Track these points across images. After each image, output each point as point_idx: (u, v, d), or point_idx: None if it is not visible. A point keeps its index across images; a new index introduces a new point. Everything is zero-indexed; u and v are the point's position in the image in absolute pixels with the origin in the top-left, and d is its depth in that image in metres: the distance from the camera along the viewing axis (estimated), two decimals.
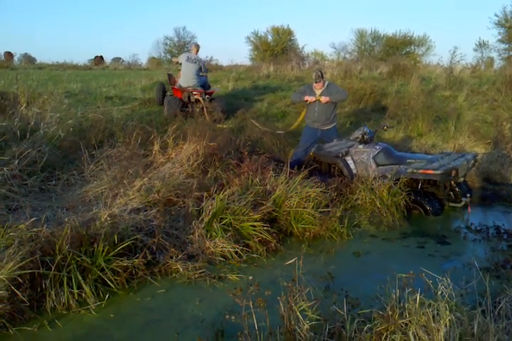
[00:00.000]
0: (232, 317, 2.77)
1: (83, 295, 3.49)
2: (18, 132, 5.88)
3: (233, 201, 4.78)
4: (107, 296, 3.55)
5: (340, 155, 6.30)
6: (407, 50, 27.66)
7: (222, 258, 4.29)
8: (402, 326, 2.59)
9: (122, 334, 3.15)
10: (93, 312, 3.38)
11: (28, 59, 24.77)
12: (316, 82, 6.84)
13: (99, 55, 23.21)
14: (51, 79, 11.69)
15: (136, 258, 3.89)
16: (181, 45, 29.94)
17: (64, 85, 10.53)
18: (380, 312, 2.71)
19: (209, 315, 3.35)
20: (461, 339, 2.45)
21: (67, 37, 58.75)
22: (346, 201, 5.68)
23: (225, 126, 7.96)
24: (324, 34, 58.03)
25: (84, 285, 3.51)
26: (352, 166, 6.29)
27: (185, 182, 5.29)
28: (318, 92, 6.91)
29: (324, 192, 5.39)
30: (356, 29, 29.13)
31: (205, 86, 9.09)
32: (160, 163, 5.92)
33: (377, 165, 6.14)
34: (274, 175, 5.44)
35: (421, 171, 5.68)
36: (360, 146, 6.32)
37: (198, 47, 9.41)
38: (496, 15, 25.44)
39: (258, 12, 63.61)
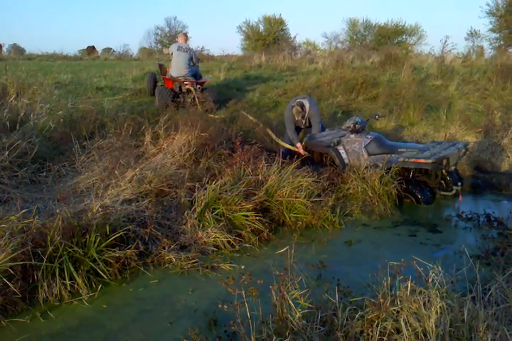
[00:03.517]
0: (225, 307, 2.77)
1: (75, 286, 3.50)
2: (8, 123, 5.82)
3: (225, 191, 4.78)
4: (99, 287, 3.56)
5: (332, 144, 6.31)
6: (399, 39, 27.57)
7: (214, 248, 4.31)
8: (393, 313, 2.61)
9: (115, 324, 3.15)
10: (86, 303, 3.38)
11: (17, 49, 24.45)
12: (297, 119, 6.92)
13: (91, 45, 22.96)
14: (41, 70, 11.55)
15: (128, 248, 3.89)
16: (172, 35, 29.61)
17: (54, 76, 10.39)
18: (372, 300, 2.73)
19: (202, 305, 3.37)
20: (452, 325, 2.48)
21: (56, 27, 58.17)
22: (338, 190, 5.71)
23: (216, 117, 7.92)
24: (316, 24, 57.75)
25: (76, 277, 3.51)
26: (344, 156, 6.31)
27: (177, 173, 5.29)
28: (302, 122, 7.00)
29: (316, 182, 5.41)
30: (348, 18, 29.01)
31: (196, 76, 9.02)
32: (151, 153, 5.91)
33: (369, 154, 6.16)
34: (266, 165, 5.44)
35: (412, 160, 5.71)
36: (352, 136, 6.32)
37: (185, 35, 9.33)
38: (488, 4, 25.40)
39: (250, 1, 63.15)
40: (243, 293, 2.70)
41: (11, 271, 3.25)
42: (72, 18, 60.55)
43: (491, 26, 25.49)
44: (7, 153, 5.14)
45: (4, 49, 22.43)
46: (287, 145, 6.90)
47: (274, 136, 7.24)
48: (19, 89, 7.01)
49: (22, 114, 6.10)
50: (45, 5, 60.72)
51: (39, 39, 51.80)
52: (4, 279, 3.17)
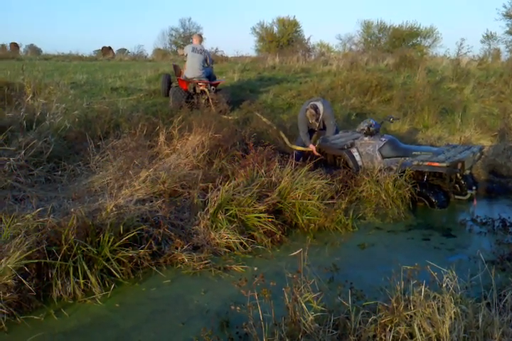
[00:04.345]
0: (237, 308, 2.77)
1: (89, 284, 3.52)
2: (25, 123, 5.90)
3: (238, 192, 4.79)
4: (112, 286, 3.58)
5: (346, 147, 6.28)
6: (414, 41, 27.37)
7: (227, 249, 4.31)
8: (406, 318, 2.60)
9: (128, 323, 3.17)
10: (99, 302, 3.41)
11: (34, 50, 24.69)
12: (311, 122, 6.91)
13: (108, 45, 23.07)
14: (57, 70, 11.67)
15: (141, 248, 3.92)
16: (187, 37, 29.70)
17: (70, 76, 10.51)
18: (385, 304, 2.72)
19: (214, 306, 3.37)
20: (466, 331, 2.45)
21: (72, 28, 58.64)
22: (351, 193, 5.68)
23: (230, 118, 7.94)
24: (330, 25, 57.54)
25: (90, 275, 3.53)
26: (357, 158, 6.28)
27: (190, 174, 5.31)
28: (316, 124, 6.99)
29: (329, 184, 5.39)
30: (362, 20, 28.99)
31: (210, 77, 9.05)
32: (165, 154, 5.94)
33: (383, 157, 6.13)
34: (279, 166, 5.43)
35: (427, 163, 5.66)
36: (366, 138, 6.29)
37: (200, 37, 9.38)
38: (504, 6, 25.13)
39: (264, 3, 63.18)
40: (255, 294, 2.70)
41: (26, 269, 3.30)
42: (87, 19, 61.12)
43: (507, 28, 25.23)
44: (23, 152, 5.20)
45: (21, 49, 22.65)
46: (300, 148, 6.90)
47: (286, 140, 7.24)
48: (36, 88, 7.10)
49: (38, 114, 6.17)
50: (61, 6, 61.29)
51: (55, 40, 52.31)
52: (20, 277, 3.21)
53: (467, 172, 5.89)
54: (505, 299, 2.80)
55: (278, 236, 4.63)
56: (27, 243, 3.36)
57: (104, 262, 3.66)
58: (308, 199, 5.04)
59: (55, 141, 5.80)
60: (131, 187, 4.79)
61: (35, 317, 3.17)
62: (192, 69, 8.73)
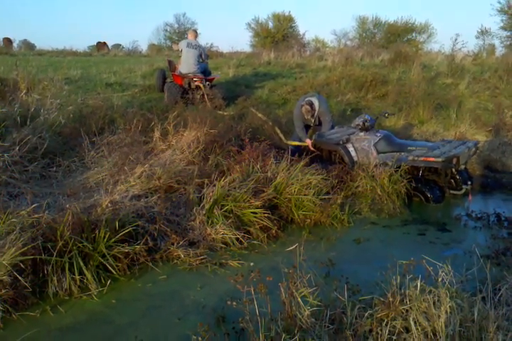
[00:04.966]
0: (234, 303, 2.77)
1: (85, 281, 3.52)
2: (19, 118, 5.85)
3: (234, 188, 4.78)
4: (108, 282, 3.58)
5: (341, 142, 6.28)
6: (409, 37, 27.40)
7: (223, 245, 4.31)
8: (402, 312, 2.60)
9: (124, 319, 3.17)
10: (95, 298, 3.41)
11: (28, 45, 24.51)
12: (306, 117, 6.89)
13: (102, 41, 22.90)
14: (51, 66, 11.58)
15: (137, 244, 3.91)
16: (181, 32, 29.61)
17: (64, 72, 10.40)
18: (381, 299, 2.73)
19: (210, 301, 3.37)
20: (462, 325, 2.46)
21: (66, 23, 58.23)
22: (347, 188, 5.68)
23: (225, 113, 7.92)
24: (325, 21, 57.45)
25: (85, 271, 3.53)
26: (353, 153, 6.28)
27: (185, 169, 5.29)
28: (311, 120, 6.97)
29: (325, 180, 5.39)
30: (357, 16, 28.97)
31: (205, 72, 9.03)
32: (160, 149, 5.92)
33: (378, 152, 6.13)
34: (275, 162, 5.44)
35: (422, 158, 5.67)
36: (361, 134, 6.29)
37: (195, 32, 9.36)
38: (499, 2, 25.16)
39: None
40: (252, 289, 2.70)
41: (22, 265, 3.28)
42: (82, 15, 60.75)
43: (502, 24, 25.27)
44: (18, 147, 5.16)
45: (15, 44, 22.44)
46: (296, 143, 6.90)
47: (281, 136, 7.23)
48: (30, 84, 7.06)
49: (32, 109, 6.12)
50: (56, 1, 60.89)
51: (49, 35, 51.89)
52: (15, 273, 3.20)
53: (462, 167, 5.90)
54: (500, 293, 2.82)
55: (274, 231, 4.63)
56: (22, 239, 3.34)
57: (99, 258, 3.65)
58: (304, 195, 5.04)
59: (50, 136, 5.75)
60: (126, 183, 4.77)
61: (31, 314, 3.17)
62: (187, 64, 8.71)
